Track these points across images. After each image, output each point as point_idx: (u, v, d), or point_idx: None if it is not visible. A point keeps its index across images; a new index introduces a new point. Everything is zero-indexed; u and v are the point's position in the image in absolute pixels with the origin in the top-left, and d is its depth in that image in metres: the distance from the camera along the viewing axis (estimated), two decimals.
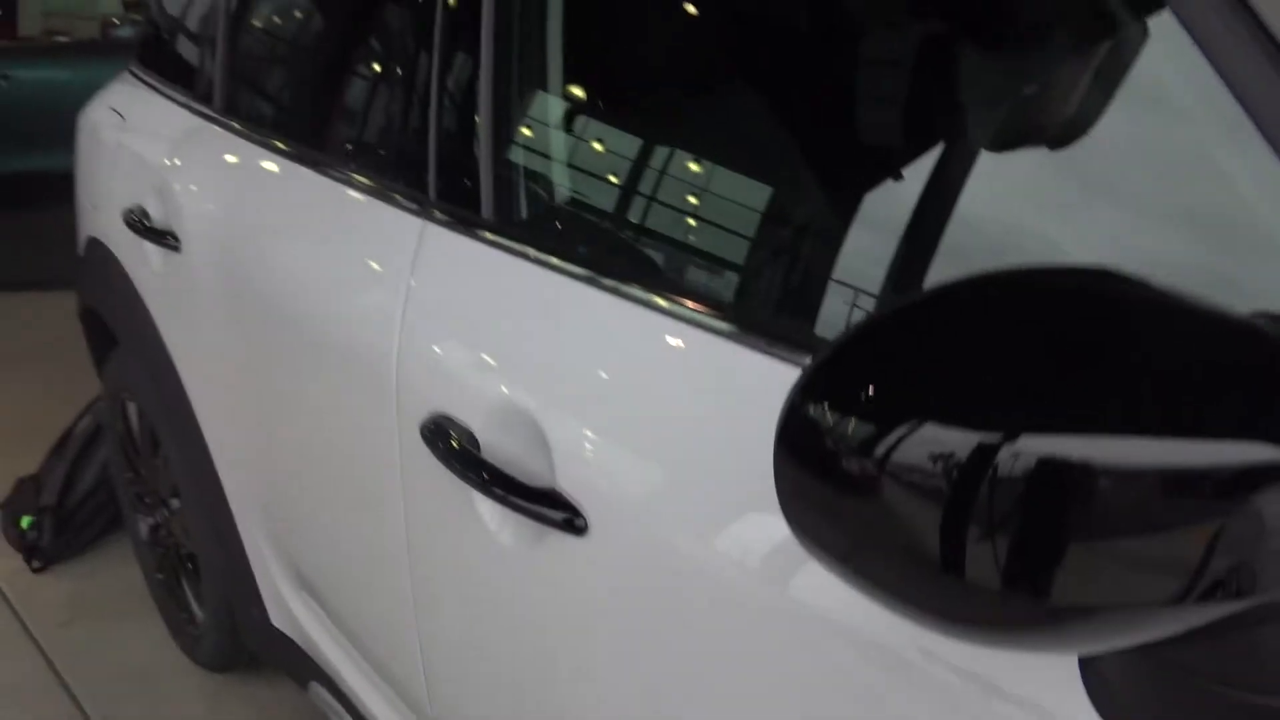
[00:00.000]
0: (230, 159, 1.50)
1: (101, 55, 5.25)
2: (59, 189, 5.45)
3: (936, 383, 0.40)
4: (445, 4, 1.08)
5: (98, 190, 1.93)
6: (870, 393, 0.41)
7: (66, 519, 2.51)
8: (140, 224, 1.64)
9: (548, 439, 0.85)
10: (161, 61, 1.98)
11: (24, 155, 5.33)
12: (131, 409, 2.07)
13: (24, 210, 5.57)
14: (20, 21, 5.38)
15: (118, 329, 1.84)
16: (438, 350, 1.01)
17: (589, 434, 0.84)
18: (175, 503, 1.99)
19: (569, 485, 0.83)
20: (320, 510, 1.30)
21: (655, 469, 0.79)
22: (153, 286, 1.68)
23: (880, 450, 0.39)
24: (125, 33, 5.27)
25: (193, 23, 1.85)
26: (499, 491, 0.88)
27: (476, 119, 1.04)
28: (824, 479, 0.41)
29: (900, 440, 0.39)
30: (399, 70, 1.20)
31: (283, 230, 1.33)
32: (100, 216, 1.89)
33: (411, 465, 1.03)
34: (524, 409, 0.89)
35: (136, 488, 2.22)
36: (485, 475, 0.90)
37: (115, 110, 1.93)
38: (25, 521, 2.49)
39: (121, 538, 2.65)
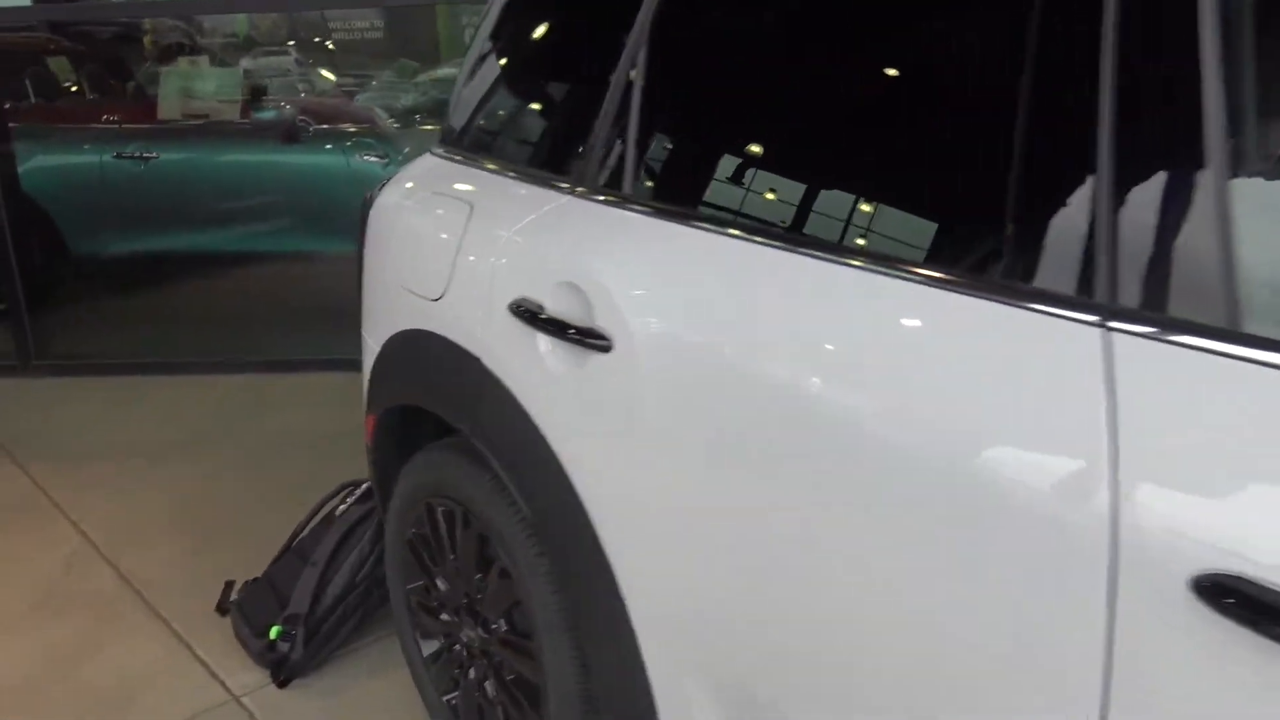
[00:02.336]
0: (688, 252, 1.34)
1: (243, 138, 5.24)
2: (192, 270, 5.42)
3: None
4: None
5: (426, 281, 1.78)
6: None
7: (315, 628, 2.33)
8: (540, 320, 1.49)
9: None
10: (501, 145, 1.85)
11: (164, 236, 5.28)
12: (440, 515, 1.90)
13: (158, 291, 5.51)
14: (161, 104, 5.38)
15: (478, 433, 1.67)
16: (1199, 495, 0.83)
17: None
18: (500, 624, 1.81)
19: None
20: (873, 673, 1.11)
21: None
22: (542, 387, 1.52)
23: None
24: (269, 115, 5.24)
25: (563, 102, 1.72)
26: None
27: (1193, 197, 0.88)
28: None
29: None
30: (1024, 128, 1.03)
31: (810, 338, 1.16)
32: (440, 309, 1.74)
33: (1149, 634, 0.84)
34: None
35: (426, 600, 2.03)
36: None
37: (457, 198, 1.79)
38: (275, 632, 2.30)
39: (359, 647, 2.46)
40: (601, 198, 1.52)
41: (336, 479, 3.44)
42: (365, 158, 5.26)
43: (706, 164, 1.41)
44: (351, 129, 5.56)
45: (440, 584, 1.98)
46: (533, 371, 1.53)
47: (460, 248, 1.72)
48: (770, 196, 1.31)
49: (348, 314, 5.69)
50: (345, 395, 4.29)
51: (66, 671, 2.43)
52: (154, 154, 5.21)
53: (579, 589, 1.53)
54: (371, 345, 2.05)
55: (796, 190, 1.29)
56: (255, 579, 2.55)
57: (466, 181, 1.83)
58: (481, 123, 1.94)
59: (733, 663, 1.31)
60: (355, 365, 4.63)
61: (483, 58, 1.95)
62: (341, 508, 2.45)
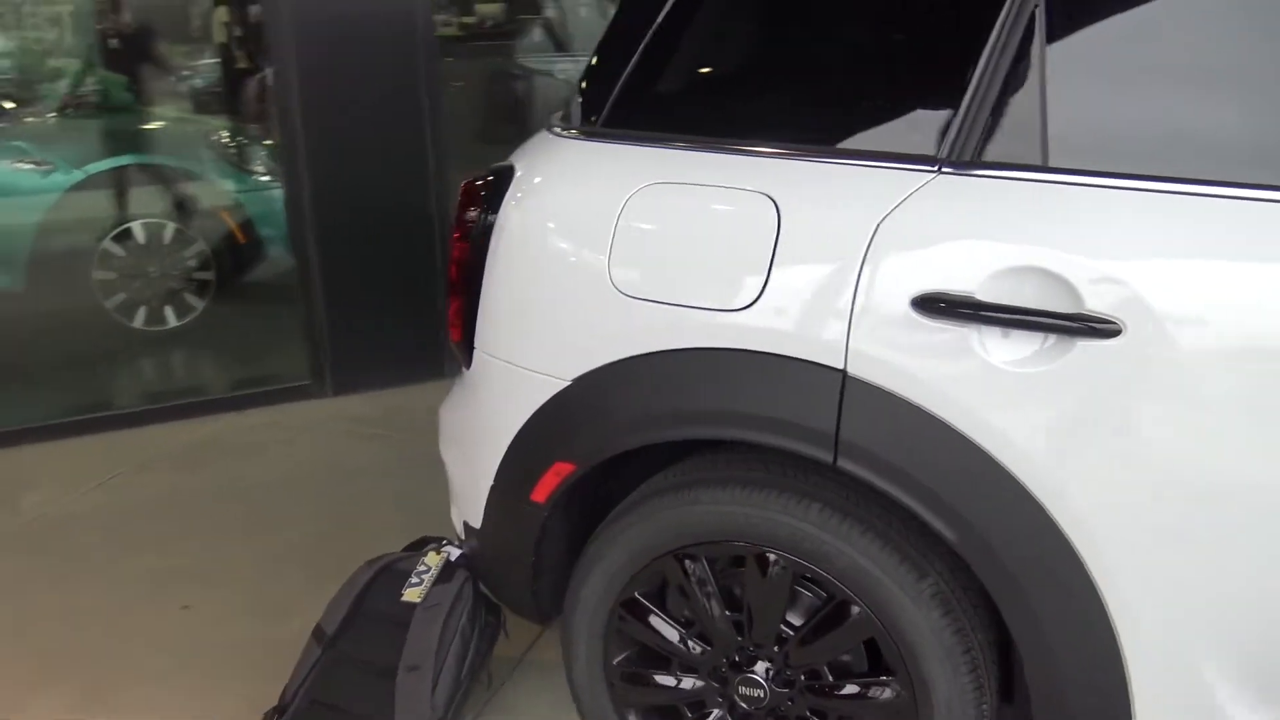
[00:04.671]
0: (1205, 220, 1.26)
1: None
2: None
3: None
4: None
5: (712, 290, 1.49)
6: None
7: None
8: (984, 313, 1.32)
9: None
10: (736, 122, 1.58)
11: None
12: (702, 564, 1.61)
13: None
14: None
15: (851, 454, 1.42)
16: None
17: None
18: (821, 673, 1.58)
19: None
20: None
21: None
22: (976, 388, 1.34)
23: None
24: None
25: (883, 66, 1.51)
26: None
27: None
28: None
29: None
30: None
31: None
32: (750, 319, 1.46)
33: None
34: None
35: (645, 671, 1.72)
36: None
37: (736, 188, 1.50)
38: None
39: None
40: (1012, 170, 1.37)
41: (160, 562, 2.71)
42: (17, 165, 4.14)
43: (1174, 113, 1.32)
44: None
45: (688, 646, 1.67)
46: (956, 371, 1.35)
47: (779, 246, 1.45)
48: None
49: (34, 368, 4.47)
50: (85, 461, 3.37)
51: None
52: None
53: (1030, 608, 1.39)
54: (543, 379, 1.66)
55: None
56: (287, 709, 1.94)
57: (712, 169, 1.53)
58: (695, 98, 1.64)
59: None
60: (67, 430, 3.66)
61: (690, 19, 1.64)
62: (412, 593, 1.95)
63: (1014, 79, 1.39)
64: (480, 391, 1.80)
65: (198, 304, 4.47)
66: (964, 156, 1.40)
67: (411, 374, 3.97)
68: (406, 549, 2.12)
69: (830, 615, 1.56)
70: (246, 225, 4.64)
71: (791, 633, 1.60)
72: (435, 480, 3.17)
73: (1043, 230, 1.33)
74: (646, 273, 1.55)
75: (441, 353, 4.00)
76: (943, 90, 1.43)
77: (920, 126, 1.44)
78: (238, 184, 4.60)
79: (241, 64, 4.97)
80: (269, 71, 5.51)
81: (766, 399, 1.48)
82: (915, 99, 1.47)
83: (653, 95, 1.67)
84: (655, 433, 1.57)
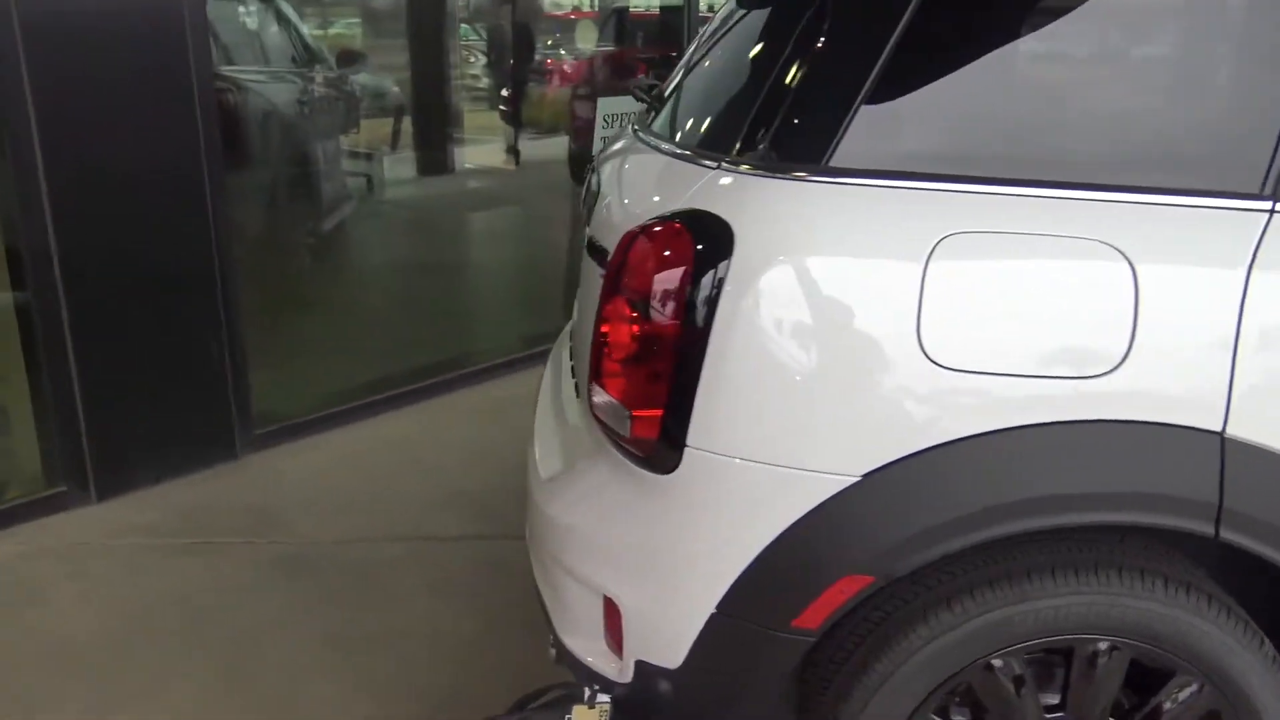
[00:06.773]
0: None
1: None
2: None
3: None
4: None
5: (1060, 356, 1.29)
6: None
7: None
8: None
9: None
10: (1013, 157, 1.37)
11: None
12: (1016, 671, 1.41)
13: None
14: None
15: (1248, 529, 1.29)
16: None
17: None
18: None
19: None
20: None
21: None
22: None
23: None
24: None
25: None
26: None
27: None
28: None
29: None
30: None
31: None
32: (1108, 386, 1.28)
33: None
34: None
35: None
36: None
37: (1069, 238, 1.29)
38: None
39: None
40: None
41: None
42: None
43: None
44: None
45: None
46: None
47: (1141, 304, 1.28)
48: None
49: None
50: None
51: None
52: None
53: None
54: (815, 478, 1.35)
55: None
56: None
57: (1030, 215, 1.31)
58: (967, 126, 1.39)
59: None
60: None
61: (948, 27, 1.39)
62: None
63: None
64: (696, 499, 1.42)
65: None
66: None
67: (195, 458, 3.20)
68: (514, 706, 1.65)
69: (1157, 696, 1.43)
70: None
71: None
72: (308, 594, 2.55)
73: None
74: (970, 341, 1.31)
75: (231, 429, 3.26)
76: (1261, 120, 1.34)
77: (1238, 159, 1.35)
78: None
79: None
80: None
81: (1140, 473, 1.31)
82: (1229, 128, 1.37)
83: (907, 123, 1.41)
84: (1001, 526, 1.33)
